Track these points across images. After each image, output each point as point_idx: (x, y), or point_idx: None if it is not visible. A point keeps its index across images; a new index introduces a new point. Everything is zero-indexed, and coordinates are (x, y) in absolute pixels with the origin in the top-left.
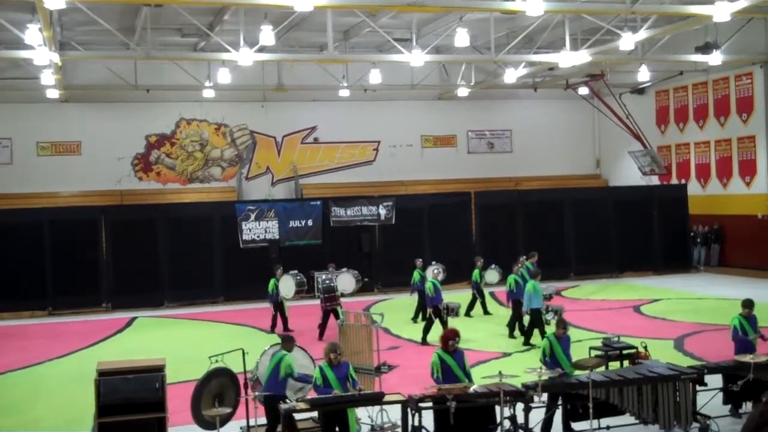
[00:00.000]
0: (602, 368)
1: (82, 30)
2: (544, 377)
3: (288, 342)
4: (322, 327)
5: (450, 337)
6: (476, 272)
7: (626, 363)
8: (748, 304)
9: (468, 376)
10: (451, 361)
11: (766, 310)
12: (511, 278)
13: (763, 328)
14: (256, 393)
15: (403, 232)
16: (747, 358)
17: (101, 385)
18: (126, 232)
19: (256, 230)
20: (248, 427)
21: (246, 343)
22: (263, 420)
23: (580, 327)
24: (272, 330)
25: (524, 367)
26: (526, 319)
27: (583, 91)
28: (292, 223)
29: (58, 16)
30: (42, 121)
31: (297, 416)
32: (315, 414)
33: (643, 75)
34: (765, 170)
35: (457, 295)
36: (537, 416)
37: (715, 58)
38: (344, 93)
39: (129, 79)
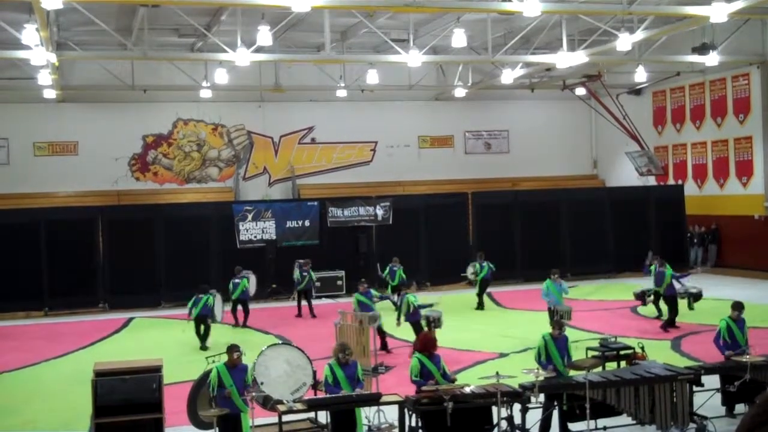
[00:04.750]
0: (599, 369)
1: (79, 30)
2: (541, 378)
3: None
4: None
5: (431, 344)
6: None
7: (623, 363)
8: (737, 306)
9: (446, 378)
10: (430, 364)
11: (764, 311)
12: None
13: (760, 329)
14: (254, 393)
15: (400, 233)
16: (744, 359)
17: (98, 386)
18: (123, 233)
19: (253, 230)
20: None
21: (243, 344)
22: (262, 420)
23: (577, 327)
24: (244, 324)
25: (521, 367)
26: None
27: (580, 91)
28: (289, 224)
29: (55, 16)
30: (39, 121)
31: (294, 417)
32: (312, 414)
33: (640, 76)
34: (762, 171)
35: (452, 296)
36: (534, 417)
37: (712, 59)
38: (341, 93)
39: (126, 79)
